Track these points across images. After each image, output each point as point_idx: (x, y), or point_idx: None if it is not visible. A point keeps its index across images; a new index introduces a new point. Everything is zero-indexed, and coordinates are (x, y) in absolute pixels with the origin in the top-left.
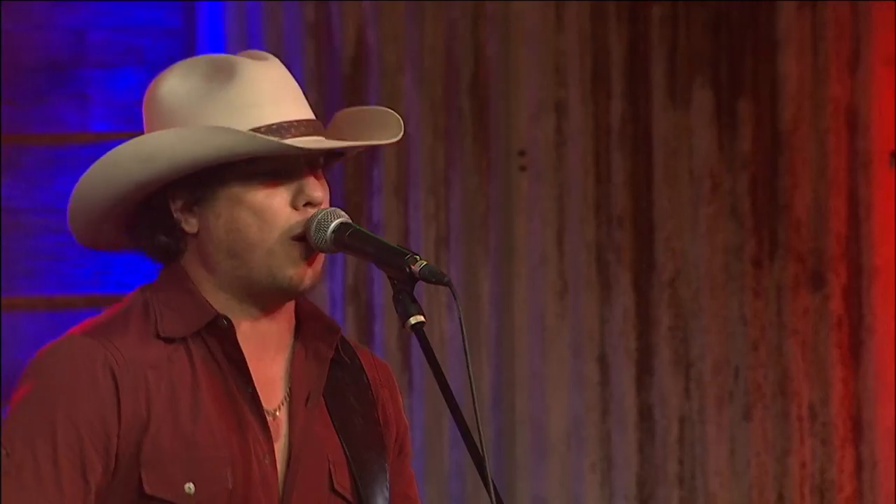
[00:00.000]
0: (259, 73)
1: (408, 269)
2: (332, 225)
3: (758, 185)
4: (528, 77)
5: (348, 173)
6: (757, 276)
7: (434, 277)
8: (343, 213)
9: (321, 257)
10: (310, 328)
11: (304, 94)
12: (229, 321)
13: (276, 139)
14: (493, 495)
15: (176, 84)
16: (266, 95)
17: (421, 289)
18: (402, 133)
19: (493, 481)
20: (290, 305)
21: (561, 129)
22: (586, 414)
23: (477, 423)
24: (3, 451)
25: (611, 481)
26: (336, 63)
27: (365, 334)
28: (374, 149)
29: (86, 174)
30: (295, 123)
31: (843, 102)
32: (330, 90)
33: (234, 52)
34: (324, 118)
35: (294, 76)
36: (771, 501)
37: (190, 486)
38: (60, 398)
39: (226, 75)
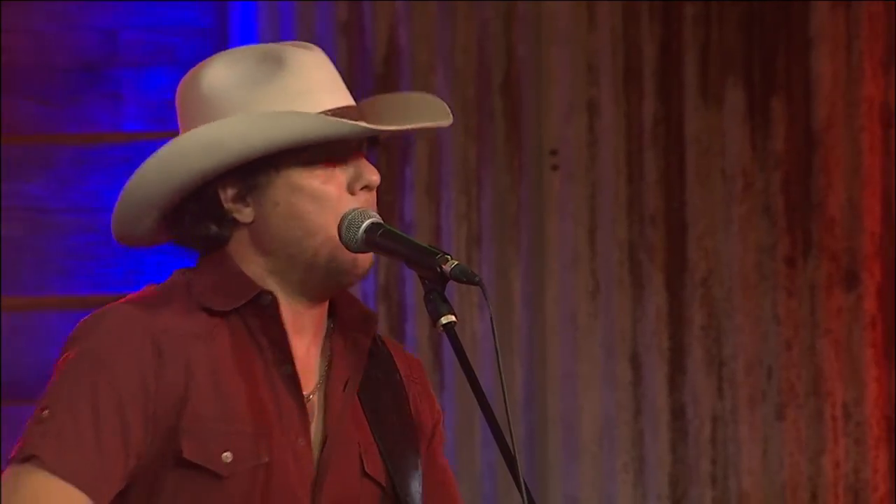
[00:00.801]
0: (308, 61)
1: (439, 269)
2: (364, 224)
3: (791, 183)
4: (560, 76)
5: (380, 172)
6: (790, 275)
7: (465, 277)
8: (374, 212)
9: None
10: (346, 316)
11: None
12: (273, 296)
13: (348, 122)
14: (524, 495)
15: (221, 74)
16: (319, 82)
17: (452, 288)
18: (450, 119)
19: (524, 481)
20: (324, 305)
21: (593, 128)
22: (618, 413)
23: (508, 422)
24: (46, 413)
25: (643, 481)
26: (368, 62)
27: (396, 334)
28: (405, 147)
29: (146, 164)
30: (347, 109)
31: (876, 101)
32: (362, 89)
33: None
34: None
35: None
36: (804, 501)
37: (227, 456)
38: (103, 363)
39: (275, 63)
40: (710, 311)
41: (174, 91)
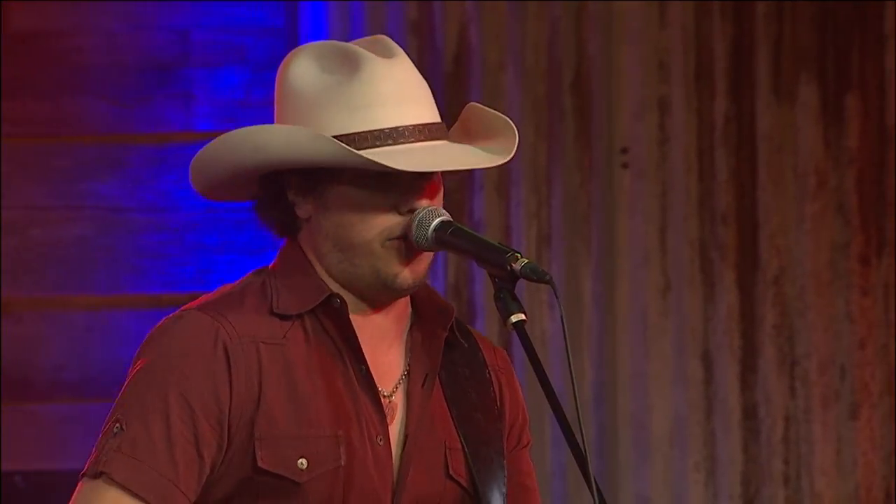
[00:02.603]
0: (382, 71)
1: (509, 267)
2: (434, 223)
3: (864, 181)
4: (631, 74)
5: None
6: (864, 273)
7: (535, 275)
8: (444, 211)
9: (426, 258)
10: (425, 310)
11: None
12: (342, 300)
13: (370, 157)
14: (595, 494)
15: (303, 69)
16: (386, 96)
17: (522, 287)
18: (510, 156)
19: (595, 480)
20: (402, 299)
21: (664, 126)
22: (690, 413)
23: (579, 422)
24: (118, 426)
25: (715, 480)
26: (438, 61)
27: None
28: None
29: (204, 150)
30: (411, 128)
31: None
32: (432, 88)
33: None
34: None
35: None
36: (878, 501)
37: (303, 462)
38: (174, 373)
39: (350, 69)
40: (783, 310)
41: (245, 90)
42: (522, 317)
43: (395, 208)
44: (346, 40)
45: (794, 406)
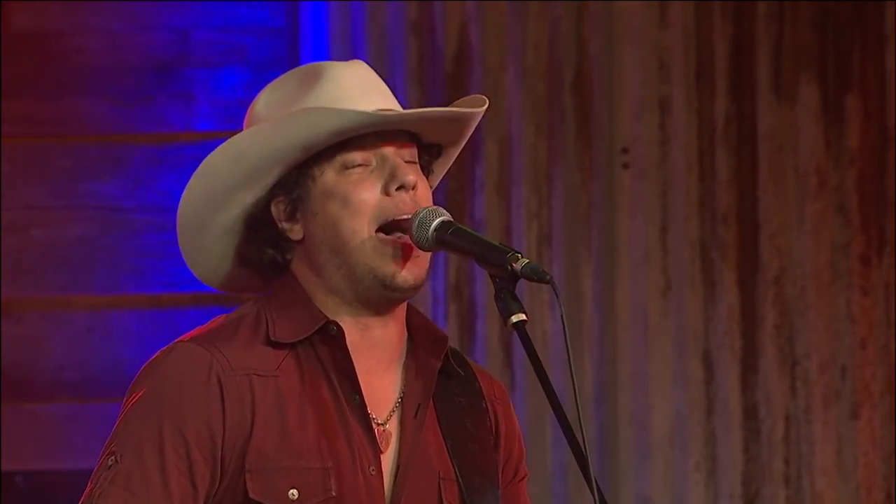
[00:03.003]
0: (345, 73)
1: (510, 267)
2: (434, 223)
3: (865, 181)
4: (632, 74)
5: (451, 171)
6: (864, 273)
7: (536, 275)
8: (445, 211)
9: (424, 257)
10: (420, 339)
11: (407, 91)
12: (339, 327)
13: (355, 110)
14: (596, 494)
15: (268, 96)
16: (353, 90)
17: (523, 287)
18: (483, 106)
19: (596, 480)
20: (402, 315)
21: (664, 126)
22: (690, 413)
23: (580, 421)
24: (113, 459)
25: (715, 480)
26: (439, 61)
27: (467, 332)
28: (476, 146)
29: (185, 190)
30: (383, 111)
31: None
32: (432, 88)
33: (338, 51)
34: None
35: (397, 74)
36: (879, 501)
37: (294, 493)
38: (167, 405)
39: (314, 79)
40: (783, 310)
41: (245, 90)
42: (523, 317)
43: (384, 190)
44: (347, 40)
45: (795, 406)
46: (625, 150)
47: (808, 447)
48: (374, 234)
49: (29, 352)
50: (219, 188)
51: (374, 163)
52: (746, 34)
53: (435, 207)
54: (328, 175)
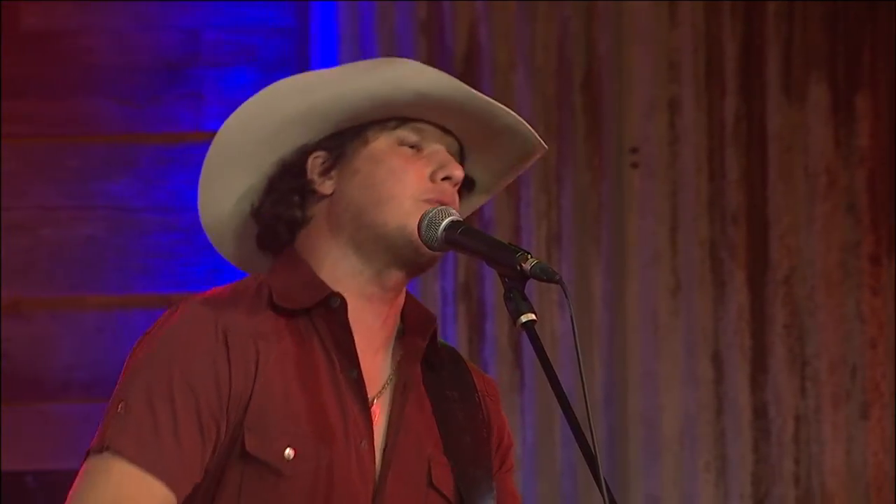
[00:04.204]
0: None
1: (519, 267)
2: (444, 223)
3: (875, 181)
4: (641, 74)
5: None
6: (874, 273)
7: (545, 275)
8: (454, 210)
9: None
10: (410, 321)
11: None
12: (342, 300)
13: (451, 78)
14: (605, 494)
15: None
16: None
17: (532, 287)
18: (543, 150)
19: (605, 480)
20: (401, 300)
21: (674, 125)
22: (700, 412)
23: (589, 421)
24: (123, 407)
25: (725, 480)
26: (448, 61)
27: (476, 332)
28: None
29: (240, 108)
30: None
31: None
32: None
33: (348, 51)
34: None
35: None
36: (889, 501)
37: (289, 452)
38: (177, 358)
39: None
40: (793, 310)
41: (255, 90)
42: (532, 317)
43: (430, 176)
44: (356, 40)
45: (805, 406)
46: (634, 150)
47: (818, 447)
48: (415, 201)
49: (38, 351)
50: (267, 128)
51: (426, 150)
52: (756, 34)
53: (444, 207)
54: (381, 142)
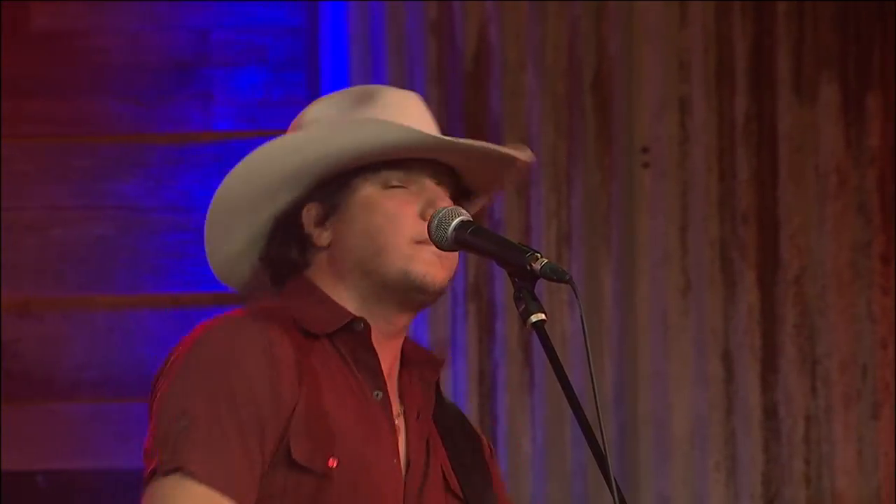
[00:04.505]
0: (399, 98)
1: (529, 267)
2: (454, 223)
3: (886, 180)
4: (652, 74)
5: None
6: (885, 272)
7: (555, 275)
8: (464, 210)
9: (453, 260)
10: (413, 359)
11: (426, 91)
12: (365, 323)
13: (422, 131)
14: (615, 494)
15: (320, 107)
16: (411, 115)
17: (542, 287)
18: (532, 157)
19: (615, 480)
20: (403, 336)
21: (684, 125)
22: (710, 412)
23: (599, 421)
24: (186, 421)
25: (735, 480)
26: (458, 61)
27: (486, 332)
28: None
29: (227, 178)
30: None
31: None
32: (452, 88)
33: (357, 51)
34: (445, 116)
35: (416, 74)
36: None
37: (333, 462)
38: (234, 367)
39: (366, 98)
40: (804, 310)
41: (265, 90)
42: (542, 316)
43: (420, 214)
44: (366, 40)
45: (815, 406)
46: (644, 150)
47: (828, 447)
48: (411, 245)
49: (49, 351)
50: (260, 186)
51: (414, 186)
52: (767, 33)
53: (454, 207)
54: (368, 188)
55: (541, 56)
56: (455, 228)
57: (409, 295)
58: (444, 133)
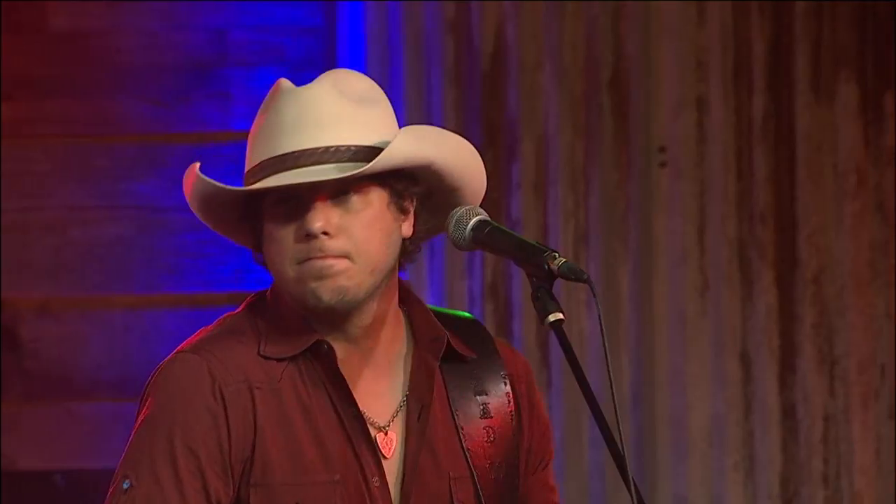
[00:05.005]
0: (291, 101)
1: (546, 267)
2: (471, 222)
3: None
4: (669, 73)
5: (487, 170)
6: None
7: (573, 275)
8: (481, 210)
9: (362, 258)
10: (421, 338)
11: (443, 91)
12: (329, 345)
13: (266, 184)
14: (633, 494)
15: (258, 116)
16: (286, 126)
17: (560, 286)
18: (362, 170)
19: (633, 480)
20: (389, 319)
21: (702, 124)
22: (728, 412)
23: (617, 421)
24: (129, 483)
25: (754, 480)
26: (475, 60)
27: (504, 332)
28: (512, 145)
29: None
30: (307, 152)
31: None
32: (469, 87)
33: (375, 51)
34: (462, 115)
35: (433, 73)
36: None
37: None
38: (176, 423)
39: (271, 103)
40: (822, 309)
41: None
42: (560, 316)
43: (295, 235)
44: (384, 40)
45: (834, 405)
46: (662, 149)
47: (846, 447)
48: (292, 268)
49: (67, 351)
50: (208, 219)
51: (292, 202)
52: (785, 32)
53: (472, 207)
54: (266, 212)
55: (558, 55)
56: (473, 228)
57: (320, 314)
58: (459, 131)
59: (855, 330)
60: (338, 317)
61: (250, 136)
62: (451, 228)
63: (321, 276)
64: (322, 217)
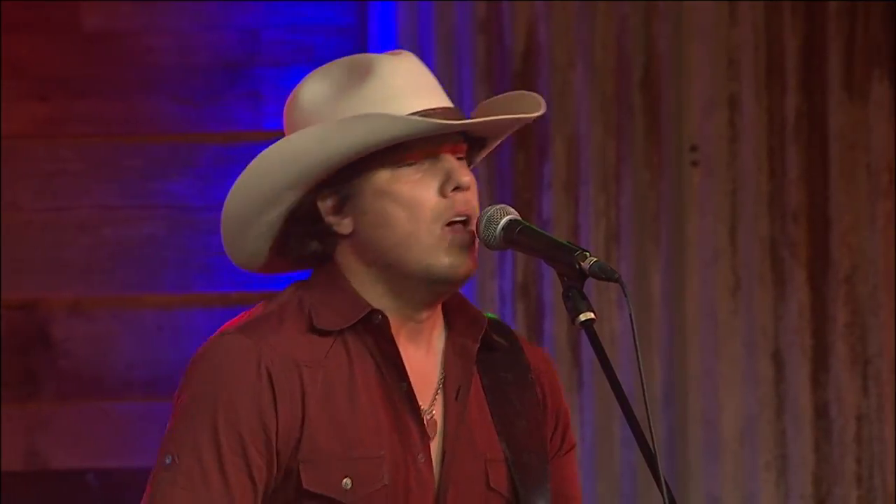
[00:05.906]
0: (393, 68)
1: (578, 266)
2: (502, 222)
3: None
4: (701, 71)
5: (518, 169)
6: None
7: (604, 274)
8: (512, 209)
9: (476, 246)
10: (457, 321)
11: (475, 90)
12: (384, 316)
13: (418, 118)
14: (665, 494)
15: (314, 87)
16: (402, 88)
17: (591, 286)
18: (541, 109)
19: (665, 480)
20: (433, 321)
21: (734, 123)
22: (760, 412)
23: (648, 421)
24: (171, 459)
25: (786, 480)
26: (506, 59)
27: (535, 331)
28: (543, 145)
29: (233, 188)
30: (436, 111)
31: None
32: (500, 86)
33: (406, 50)
34: None
35: (464, 73)
36: None
37: (347, 482)
38: (220, 402)
39: (361, 73)
40: (855, 309)
41: None
42: (591, 316)
43: (440, 191)
44: (415, 39)
45: (867, 405)
46: (694, 148)
47: (880, 446)
48: (433, 232)
49: (99, 350)
50: (270, 187)
51: (427, 163)
52: (818, 31)
53: (503, 206)
54: (381, 174)
55: (590, 55)
56: (504, 228)
57: (434, 288)
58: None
59: (888, 329)
60: (444, 293)
61: (329, 106)
62: (481, 227)
63: (464, 247)
64: (466, 172)
